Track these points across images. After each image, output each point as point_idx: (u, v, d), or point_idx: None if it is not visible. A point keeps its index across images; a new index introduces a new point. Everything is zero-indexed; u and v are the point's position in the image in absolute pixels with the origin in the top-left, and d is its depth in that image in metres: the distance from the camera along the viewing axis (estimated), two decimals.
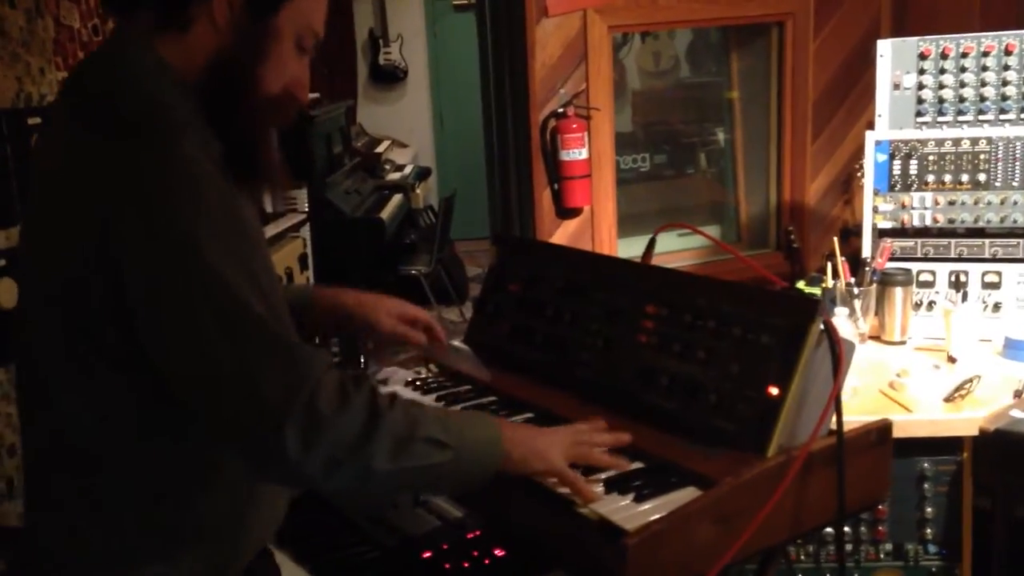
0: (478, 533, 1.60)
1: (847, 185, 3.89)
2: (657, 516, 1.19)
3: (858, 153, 3.68)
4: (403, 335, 1.68)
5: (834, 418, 1.34)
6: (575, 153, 3.41)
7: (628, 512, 1.21)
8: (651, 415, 1.44)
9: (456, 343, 1.82)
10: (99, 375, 1.25)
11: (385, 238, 5.64)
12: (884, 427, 1.43)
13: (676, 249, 3.70)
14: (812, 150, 3.83)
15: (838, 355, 1.31)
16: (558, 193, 3.47)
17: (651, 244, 1.70)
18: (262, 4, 1.27)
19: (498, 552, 1.53)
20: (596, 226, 3.56)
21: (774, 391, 1.31)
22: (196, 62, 1.27)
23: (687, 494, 1.25)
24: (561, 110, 3.40)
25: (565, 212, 3.52)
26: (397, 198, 6.36)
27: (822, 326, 1.31)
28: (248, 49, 1.28)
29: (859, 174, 3.27)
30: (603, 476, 1.33)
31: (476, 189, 7.66)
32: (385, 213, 5.81)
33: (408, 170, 7.29)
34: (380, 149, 7.48)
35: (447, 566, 1.51)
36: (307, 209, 5.15)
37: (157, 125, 1.22)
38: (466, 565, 1.51)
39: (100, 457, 1.29)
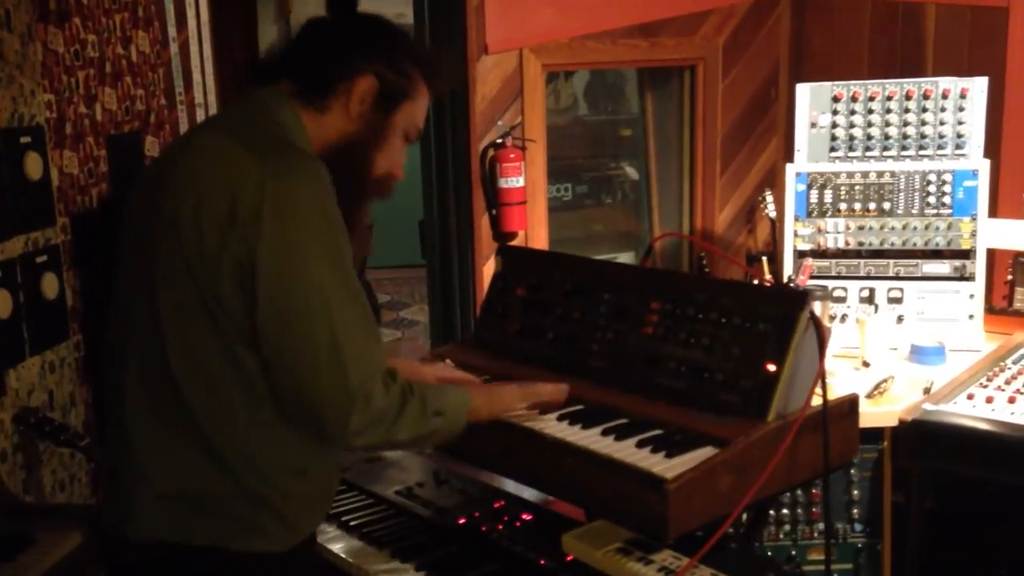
0: (503, 502, 1.81)
1: (751, 215, 4.27)
2: (688, 467, 1.44)
3: (761, 185, 4.08)
4: None
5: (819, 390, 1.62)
6: (512, 181, 3.66)
7: (664, 465, 1.46)
8: (661, 394, 1.70)
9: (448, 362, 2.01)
10: (230, 357, 1.45)
11: None
12: (853, 400, 1.72)
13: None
14: (720, 183, 4.19)
15: (822, 338, 1.59)
16: (496, 218, 3.71)
17: (649, 250, 1.97)
18: (387, 103, 1.58)
19: (526, 516, 1.74)
20: None
21: (771, 368, 1.58)
22: (326, 138, 1.57)
23: (707, 451, 1.51)
24: (500, 141, 3.64)
25: (502, 236, 3.75)
26: None
27: (809, 315, 1.59)
28: (370, 137, 1.58)
29: (762, 205, 3.63)
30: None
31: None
32: None
33: None
34: None
35: (483, 528, 1.72)
36: None
37: (306, 157, 1.49)
38: (500, 527, 1.72)
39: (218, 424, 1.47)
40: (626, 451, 1.51)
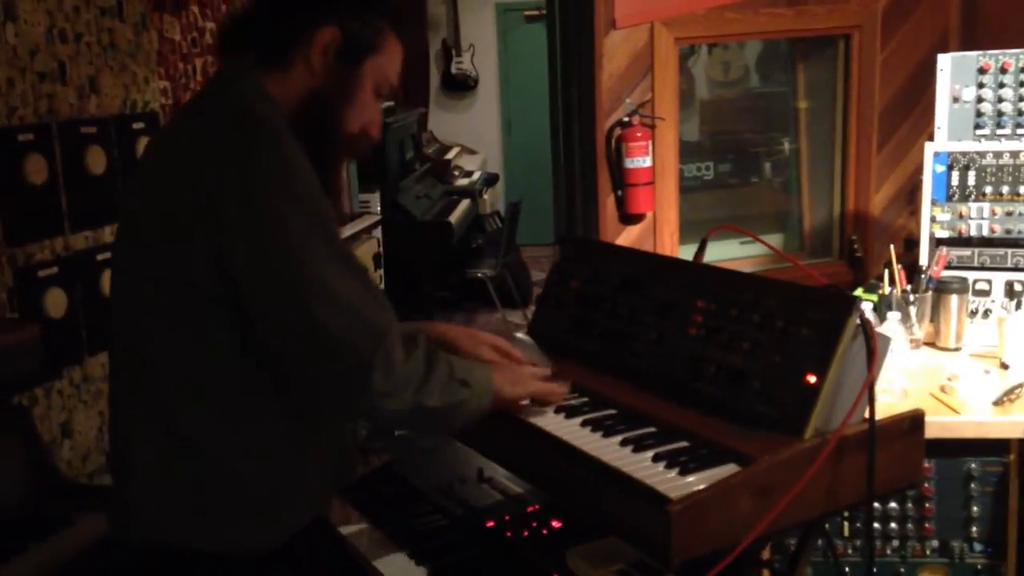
0: (537, 507, 1.74)
1: (912, 196, 3.92)
2: (700, 487, 1.31)
3: (923, 165, 3.73)
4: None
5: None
6: (639, 161, 3.52)
7: (673, 483, 1.34)
8: (699, 401, 1.57)
9: (519, 335, 1.96)
10: (206, 341, 1.43)
11: (453, 241, 5.81)
12: (916, 416, 1.53)
13: (738, 257, 3.77)
14: (877, 161, 3.87)
15: (872, 348, 1.42)
16: (622, 199, 3.58)
17: (702, 245, 1.82)
18: (350, 56, 1.52)
19: (555, 524, 1.66)
20: (658, 232, 3.67)
21: (812, 379, 1.42)
22: (293, 97, 1.51)
23: (728, 469, 1.37)
24: (626, 119, 3.50)
25: (628, 218, 3.63)
26: (465, 203, 6.53)
27: (858, 321, 1.41)
28: (336, 90, 1.52)
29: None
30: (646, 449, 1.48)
31: (542, 196, 7.79)
32: (453, 217, 5.98)
33: (476, 176, 7.46)
34: (450, 156, 7.67)
35: (508, 534, 1.65)
36: (379, 211, 5.35)
37: (264, 125, 1.43)
38: (526, 534, 1.65)
39: (199, 417, 1.45)
40: (638, 464, 1.40)
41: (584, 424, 1.56)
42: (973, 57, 2.78)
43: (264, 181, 1.37)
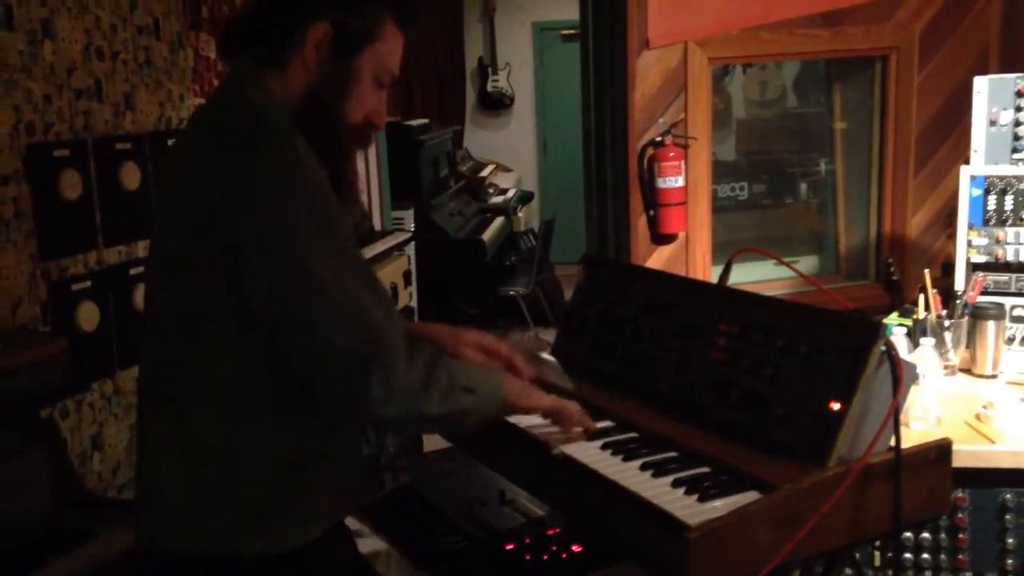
0: (558, 530, 1.72)
1: (950, 219, 3.86)
2: (719, 514, 1.29)
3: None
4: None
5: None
6: (672, 181, 3.50)
7: (692, 509, 1.32)
8: (721, 426, 1.55)
9: (544, 355, 1.95)
10: (220, 346, 1.44)
11: (485, 259, 5.81)
12: (944, 446, 1.49)
13: (772, 278, 3.72)
14: (914, 183, 3.82)
15: (898, 375, 1.39)
16: (654, 219, 3.56)
17: (727, 267, 1.80)
18: (343, 50, 1.52)
19: (575, 548, 1.64)
20: (691, 252, 3.64)
21: (836, 406, 1.39)
22: (294, 95, 1.52)
23: (748, 497, 1.35)
24: (659, 139, 3.49)
25: (660, 238, 3.61)
26: (499, 221, 6.53)
27: (883, 348, 1.39)
28: (333, 84, 1.52)
29: None
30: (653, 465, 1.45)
31: (577, 214, 7.77)
32: (486, 235, 5.99)
33: (511, 194, 7.47)
34: (484, 173, 7.68)
35: (527, 557, 1.64)
36: (412, 228, 5.36)
37: (275, 132, 1.46)
38: (545, 558, 1.63)
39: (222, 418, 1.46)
40: (657, 489, 1.38)
41: (605, 447, 1.55)
42: (1011, 80, 2.74)
43: (274, 186, 1.39)
